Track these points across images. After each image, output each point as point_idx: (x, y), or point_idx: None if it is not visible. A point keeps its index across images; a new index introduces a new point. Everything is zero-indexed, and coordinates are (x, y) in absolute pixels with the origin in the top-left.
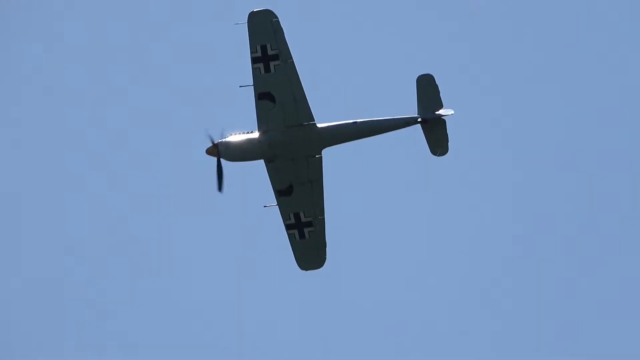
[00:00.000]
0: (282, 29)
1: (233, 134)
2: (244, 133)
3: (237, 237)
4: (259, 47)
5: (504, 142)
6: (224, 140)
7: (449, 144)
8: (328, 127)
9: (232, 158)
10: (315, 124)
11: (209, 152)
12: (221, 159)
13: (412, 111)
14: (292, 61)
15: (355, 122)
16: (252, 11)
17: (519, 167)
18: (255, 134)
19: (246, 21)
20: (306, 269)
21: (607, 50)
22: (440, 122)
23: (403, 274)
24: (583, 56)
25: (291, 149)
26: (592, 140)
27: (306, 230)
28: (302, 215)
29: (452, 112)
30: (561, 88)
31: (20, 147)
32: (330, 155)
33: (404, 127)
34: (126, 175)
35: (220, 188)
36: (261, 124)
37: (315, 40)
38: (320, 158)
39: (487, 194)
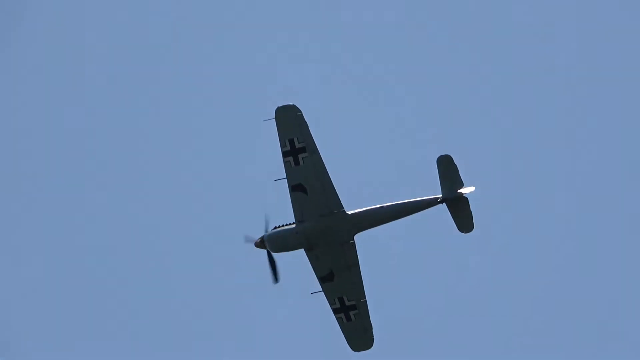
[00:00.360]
0: (306, 122)
1: (276, 226)
2: (285, 225)
3: (290, 323)
4: (287, 141)
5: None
6: (267, 234)
7: (473, 220)
8: (357, 213)
9: (276, 249)
10: (344, 211)
11: (257, 245)
12: (272, 253)
13: (437, 191)
14: (318, 153)
15: (382, 206)
16: (278, 107)
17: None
18: (294, 225)
19: (274, 117)
20: (357, 350)
21: None
22: (463, 200)
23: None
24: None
25: (325, 237)
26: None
27: (351, 313)
28: (345, 299)
29: (473, 189)
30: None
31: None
32: (364, 240)
33: (427, 207)
34: (178, 267)
35: (275, 279)
36: (297, 214)
37: (335, 128)
38: (354, 243)
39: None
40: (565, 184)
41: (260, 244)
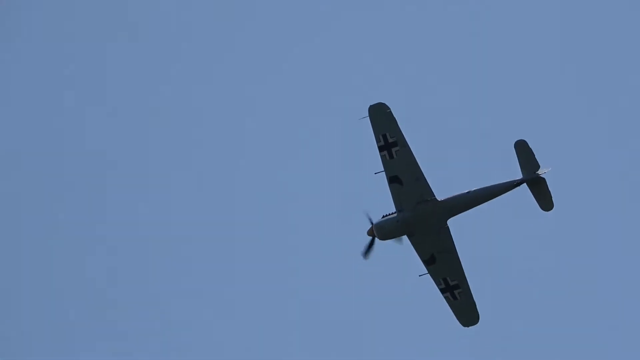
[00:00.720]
0: (394, 118)
1: (384, 215)
2: (390, 214)
3: (402, 306)
4: (381, 137)
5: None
6: (375, 222)
7: (552, 199)
8: (448, 199)
9: (383, 237)
10: (436, 198)
11: (369, 233)
12: (376, 238)
13: (517, 174)
14: (408, 146)
15: (469, 191)
16: (370, 105)
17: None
18: (395, 214)
19: (367, 115)
20: (467, 325)
21: None
22: (541, 180)
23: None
24: None
25: (422, 224)
26: None
27: (456, 292)
28: (448, 279)
29: (550, 169)
30: None
31: None
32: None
33: (511, 189)
34: (291, 251)
35: (366, 255)
36: (397, 205)
37: (421, 122)
38: (448, 228)
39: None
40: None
41: (371, 232)
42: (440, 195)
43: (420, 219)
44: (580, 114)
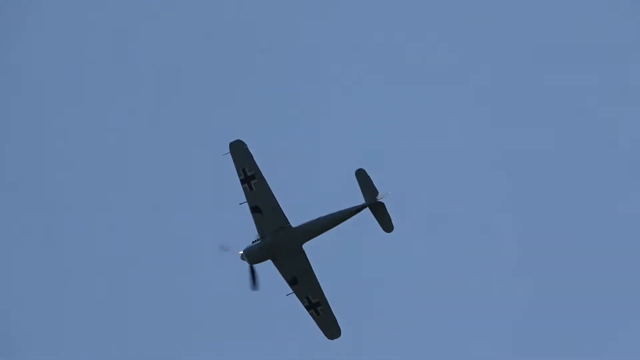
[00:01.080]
0: (251, 154)
1: (253, 241)
2: (255, 241)
3: (273, 324)
4: (241, 171)
5: None
6: (245, 249)
7: (392, 221)
8: (301, 226)
9: (252, 261)
10: (290, 225)
11: (242, 258)
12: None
13: (361, 200)
14: (264, 179)
15: (319, 217)
16: (230, 142)
17: None
18: (259, 241)
19: (229, 151)
20: (332, 338)
21: None
22: (380, 205)
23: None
24: None
25: (282, 248)
26: None
27: (318, 309)
28: (310, 298)
29: (389, 193)
30: None
31: None
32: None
33: (356, 214)
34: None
35: (254, 286)
36: (259, 232)
37: (272, 157)
38: (304, 251)
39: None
40: None
41: (243, 258)
42: (294, 222)
43: (279, 244)
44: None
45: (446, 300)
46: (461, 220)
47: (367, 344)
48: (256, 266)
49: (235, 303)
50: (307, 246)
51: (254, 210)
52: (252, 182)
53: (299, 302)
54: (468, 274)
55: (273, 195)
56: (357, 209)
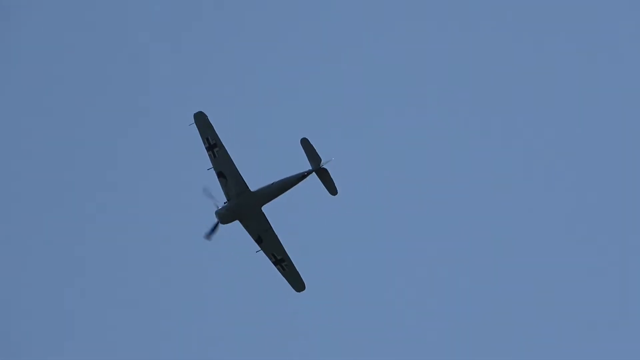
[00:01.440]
0: (211, 124)
1: (225, 203)
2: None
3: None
4: (206, 139)
5: None
6: (216, 210)
7: (335, 185)
8: (258, 190)
9: (223, 222)
10: (249, 190)
11: (215, 218)
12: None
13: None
14: (224, 147)
15: (273, 182)
16: (193, 113)
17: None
18: (227, 203)
19: (194, 122)
20: (298, 291)
21: None
22: (324, 170)
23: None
24: None
25: (245, 210)
26: None
27: (283, 264)
28: (275, 255)
29: (332, 159)
30: None
31: None
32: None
33: (304, 179)
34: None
35: (209, 236)
36: (225, 195)
37: (234, 126)
38: (263, 213)
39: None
40: None
41: (216, 217)
42: (253, 187)
43: (242, 206)
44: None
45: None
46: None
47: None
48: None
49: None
50: (266, 208)
51: (219, 175)
52: (215, 149)
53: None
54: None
55: (233, 162)
56: (304, 175)
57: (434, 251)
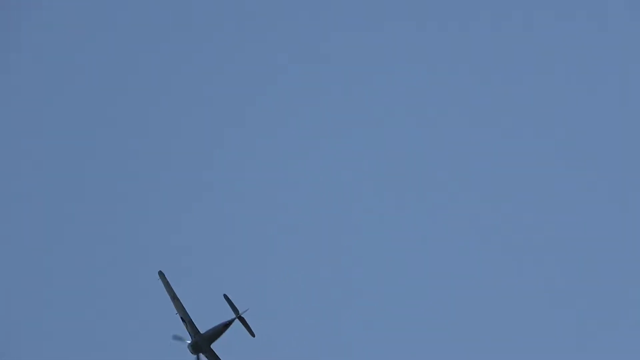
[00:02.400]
0: (168, 281)
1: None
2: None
3: None
4: (168, 292)
5: None
6: (188, 345)
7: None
8: (203, 333)
9: (194, 353)
10: (200, 332)
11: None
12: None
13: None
14: (178, 299)
15: (210, 328)
16: (158, 271)
17: None
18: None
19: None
20: None
21: None
22: (242, 319)
23: None
24: None
25: (201, 347)
26: None
27: None
28: None
29: (248, 309)
30: None
31: None
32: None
33: (230, 325)
34: None
35: (177, 339)
36: (190, 335)
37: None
38: (212, 350)
39: None
40: None
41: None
42: (203, 330)
43: (199, 345)
44: None
45: None
46: None
47: None
48: None
49: None
50: (215, 345)
51: (182, 320)
52: (175, 301)
53: None
54: None
55: (185, 310)
56: (231, 321)
57: None
